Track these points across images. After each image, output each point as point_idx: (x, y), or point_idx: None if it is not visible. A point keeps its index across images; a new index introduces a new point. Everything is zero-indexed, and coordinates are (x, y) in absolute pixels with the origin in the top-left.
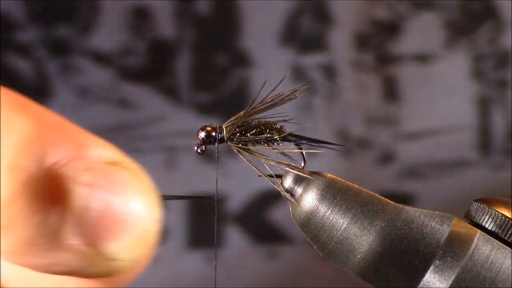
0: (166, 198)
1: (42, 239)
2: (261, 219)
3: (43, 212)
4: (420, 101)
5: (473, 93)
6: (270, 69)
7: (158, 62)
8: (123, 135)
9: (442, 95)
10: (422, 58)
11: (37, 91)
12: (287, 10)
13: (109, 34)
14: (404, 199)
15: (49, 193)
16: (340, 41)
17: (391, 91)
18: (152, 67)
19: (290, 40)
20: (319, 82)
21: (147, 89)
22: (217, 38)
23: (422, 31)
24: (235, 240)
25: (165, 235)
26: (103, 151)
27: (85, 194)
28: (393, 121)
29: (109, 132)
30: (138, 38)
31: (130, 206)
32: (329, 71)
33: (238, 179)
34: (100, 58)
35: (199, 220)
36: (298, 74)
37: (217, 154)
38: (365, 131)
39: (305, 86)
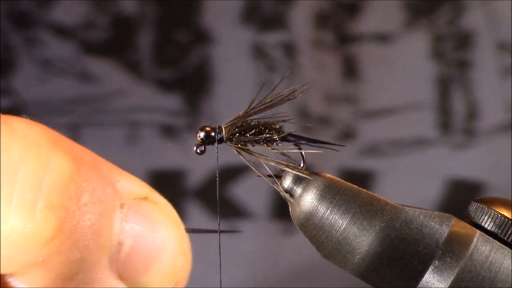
0: (190, 232)
1: (78, 275)
2: (221, 195)
3: (80, 249)
4: (380, 80)
5: (432, 73)
6: (230, 46)
7: (121, 37)
8: (85, 108)
9: (402, 74)
10: (382, 38)
11: (0, 63)
12: None
13: (71, 7)
14: (365, 176)
15: (85, 229)
16: (300, 20)
17: (351, 70)
18: (114, 41)
19: (250, 18)
20: (279, 60)
21: (109, 63)
22: (178, 15)
23: (382, 11)
24: (195, 215)
25: None
26: (134, 186)
27: (118, 229)
28: (353, 99)
29: (71, 105)
30: (100, 12)
31: (160, 241)
32: (289, 49)
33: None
34: (62, 31)
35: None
36: (258, 52)
37: (217, 154)
38: (325, 109)
39: (304, 86)
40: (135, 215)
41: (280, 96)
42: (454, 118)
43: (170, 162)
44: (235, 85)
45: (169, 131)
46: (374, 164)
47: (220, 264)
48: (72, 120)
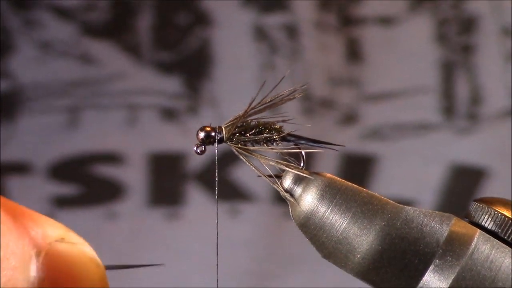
0: (111, 268)
1: None
2: (223, 177)
3: None
4: (384, 63)
5: (436, 57)
6: (231, 29)
7: (120, 19)
8: (85, 91)
9: (406, 57)
10: (386, 20)
11: None
12: None
13: None
14: (367, 160)
15: (4, 284)
16: (303, 1)
17: (354, 52)
18: (114, 23)
19: (251, 0)
20: (281, 42)
21: (109, 45)
22: None
23: None
24: (196, 198)
25: (125, 192)
26: (49, 229)
27: (35, 279)
28: (356, 82)
29: (70, 87)
30: None
31: (80, 282)
32: (292, 31)
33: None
34: (62, 13)
35: (160, 178)
36: (260, 34)
37: (216, 154)
38: (327, 91)
39: (304, 86)
40: (51, 260)
41: (280, 96)
42: (457, 103)
43: (170, 145)
44: (236, 67)
45: (169, 114)
46: (376, 148)
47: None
48: (71, 102)
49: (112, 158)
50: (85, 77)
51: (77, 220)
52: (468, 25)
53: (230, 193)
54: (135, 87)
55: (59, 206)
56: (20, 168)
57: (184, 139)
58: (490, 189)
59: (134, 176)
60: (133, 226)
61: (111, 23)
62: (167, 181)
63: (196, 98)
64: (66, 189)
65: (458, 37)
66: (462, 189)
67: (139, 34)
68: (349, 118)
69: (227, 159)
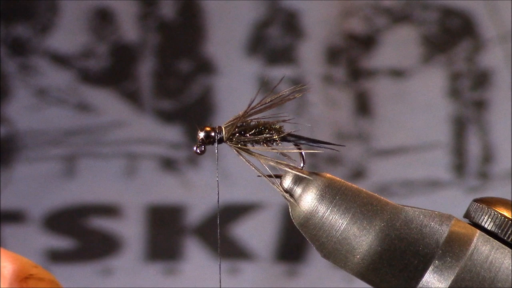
0: None
1: None
2: (222, 233)
3: None
4: (394, 117)
5: (448, 112)
6: (235, 78)
7: (120, 66)
8: (82, 139)
9: (417, 112)
10: (397, 73)
11: None
12: (255, 19)
13: (69, 35)
14: None
15: None
16: (310, 54)
17: (363, 106)
18: (113, 71)
19: (257, 50)
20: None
21: (108, 93)
22: (181, 44)
23: (399, 46)
24: (195, 253)
25: (121, 246)
26: (19, 266)
27: None
28: (365, 137)
29: (67, 136)
30: (99, 40)
31: None
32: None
33: (201, 190)
34: (59, 60)
35: (158, 232)
36: (265, 86)
37: (216, 154)
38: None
39: (304, 86)
40: None
41: (280, 96)
42: (468, 160)
43: (170, 196)
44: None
45: (169, 164)
46: None
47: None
48: (68, 151)
49: (108, 210)
50: (82, 125)
51: (72, 275)
52: (482, 79)
53: (231, 251)
54: (134, 136)
55: (54, 260)
56: (16, 217)
57: (184, 191)
58: None
59: (131, 229)
60: (129, 282)
61: (110, 70)
62: (165, 234)
63: None
64: (61, 242)
65: (471, 92)
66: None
67: (139, 81)
68: (357, 174)
69: (229, 216)
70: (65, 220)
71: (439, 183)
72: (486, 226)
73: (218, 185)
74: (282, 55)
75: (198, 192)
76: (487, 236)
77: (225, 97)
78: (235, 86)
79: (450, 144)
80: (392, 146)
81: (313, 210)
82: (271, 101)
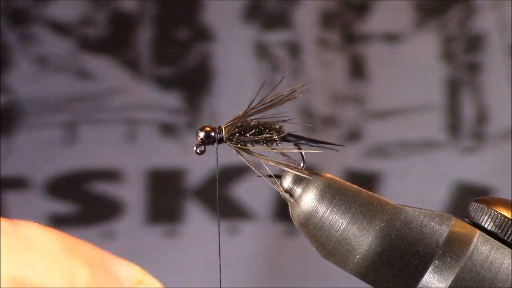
0: None
1: None
2: (222, 195)
3: None
4: (388, 81)
5: (442, 74)
6: (232, 44)
7: (119, 34)
8: (82, 106)
9: (411, 75)
10: (391, 38)
11: None
12: None
13: (68, 3)
14: (371, 178)
15: None
16: (305, 19)
17: (358, 70)
18: (112, 38)
19: (253, 16)
20: (282, 59)
21: (107, 60)
22: (179, 12)
23: (392, 11)
24: (196, 215)
25: (123, 210)
26: (131, 272)
27: None
28: (360, 100)
29: (68, 103)
30: (98, 8)
31: None
32: (293, 49)
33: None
34: (59, 28)
35: (158, 196)
36: (261, 51)
37: (216, 154)
38: (330, 109)
39: (304, 86)
40: None
41: (280, 96)
42: (463, 121)
43: (170, 161)
44: (236, 84)
45: (168, 130)
46: (380, 165)
47: (220, 266)
48: (69, 118)
49: (110, 174)
50: (83, 92)
51: None
52: (475, 43)
53: (231, 211)
54: (134, 102)
55: (56, 224)
56: (18, 184)
57: (184, 155)
58: None
59: (132, 193)
60: (131, 244)
61: (109, 38)
62: (166, 198)
63: (195, 114)
64: (63, 207)
65: (464, 55)
66: (466, 207)
67: (138, 49)
68: (353, 136)
69: (228, 176)
70: (67, 185)
71: (434, 143)
72: (486, 226)
73: (217, 185)
74: (277, 20)
75: (197, 156)
76: (487, 236)
77: (222, 63)
78: (233, 52)
79: (445, 106)
80: (386, 108)
81: (313, 210)
82: (271, 101)
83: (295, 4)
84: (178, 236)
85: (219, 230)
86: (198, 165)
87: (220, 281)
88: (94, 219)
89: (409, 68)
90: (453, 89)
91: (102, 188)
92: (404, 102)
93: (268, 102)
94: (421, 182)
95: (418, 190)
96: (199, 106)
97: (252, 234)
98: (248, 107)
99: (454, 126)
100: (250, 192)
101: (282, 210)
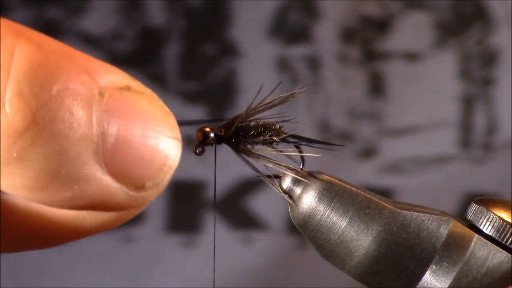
0: (181, 124)
1: (61, 170)
2: (238, 206)
3: (57, 140)
4: (405, 98)
5: (458, 92)
6: (257, 60)
7: (147, 48)
8: None
9: (428, 93)
10: (411, 56)
11: None
12: (276, 3)
13: (100, 17)
14: (385, 194)
15: (61, 119)
16: (326, 34)
17: (377, 87)
18: (140, 53)
19: (277, 33)
20: (302, 73)
21: (134, 74)
22: (206, 28)
23: (413, 30)
24: (213, 225)
25: (143, 216)
26: (113, 75)
27: (99, 118)
28: (377, 116)
29: None
30: (128, 23)
31: (150, 131)
32: (313, 63)
33: (219, 166)
34: (90, 41)
35: (179, 206)
36: (283, 65)
37: (215, 155)
38: (347, 124)
39: (303, 88)
40: (117, 105)
41: (280, 97)
42: (475, 134)
43: (191, 173)
44: (259, 98)
45: (192, 143)
46: (394, 181)
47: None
48: None
49: None
50: None
51: (95, 242)
52: (490, 58)
53: (245, 221)
54: None
55: None
56: None
57: (205, 168)
58: None
59: (154, 202)
60: (150, 251)
61: (137, 52)
62: (186, 208)
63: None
64: None
65: (479, 71)
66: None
67: (165, 64)
68: (368, 152)
69: (247, 188)
70: None
71: (447, 158)
72: (484, 229)
73: (215, 186)
74: (299, 35)
75: (218, 169)
76: (485, 240)
77: (246, 78)
78: (256, 67)
79: (459, 122)
80: (403, 125)
81: (311, 211)
82: (270, 102)
83: (317, 20)
84: (196, 246)
85: (214, 230)
86: (218, 178)
87: (214, 282)
88: None
89: (426, 86)
90: (467, 104)
91: None
92: (419, 119)
93: (268, 103)
94: (435, 196)
95: (431, 204)
96: (223, 120)
97: (266, 245)
98: (248, 107)
99: (466, 139)
100: (266, 204)
101: None
